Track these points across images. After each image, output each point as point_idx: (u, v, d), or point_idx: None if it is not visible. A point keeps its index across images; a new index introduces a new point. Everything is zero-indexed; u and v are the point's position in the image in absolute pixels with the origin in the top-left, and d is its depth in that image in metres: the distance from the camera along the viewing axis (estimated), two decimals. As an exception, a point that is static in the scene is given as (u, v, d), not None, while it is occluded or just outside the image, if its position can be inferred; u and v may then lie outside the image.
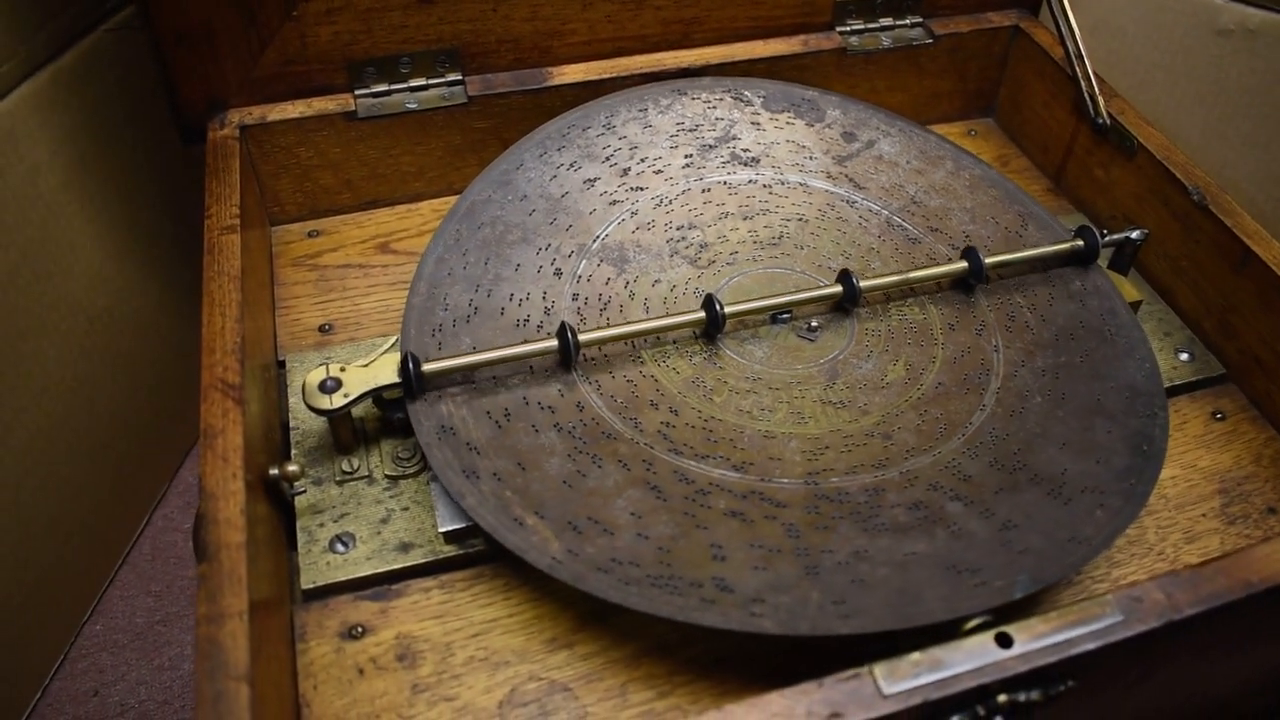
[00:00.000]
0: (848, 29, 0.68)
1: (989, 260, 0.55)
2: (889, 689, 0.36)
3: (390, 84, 0.61)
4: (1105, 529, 0.44)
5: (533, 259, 0.55)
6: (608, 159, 0.60)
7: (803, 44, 0.67)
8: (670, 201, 0.59)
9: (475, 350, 0.50)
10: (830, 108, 0.64)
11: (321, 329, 0.58)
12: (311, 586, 0.46)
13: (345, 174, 0.63)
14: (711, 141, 0.62)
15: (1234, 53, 0.75)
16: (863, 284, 0.53)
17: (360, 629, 0.45)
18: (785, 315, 0.54)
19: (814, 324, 0.54)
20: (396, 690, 0.43)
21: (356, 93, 0.61)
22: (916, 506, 0.46)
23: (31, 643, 0.64)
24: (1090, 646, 0.37)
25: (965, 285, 0.56)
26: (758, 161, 0.61)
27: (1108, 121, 0.63)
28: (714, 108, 0.63)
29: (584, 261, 0.55)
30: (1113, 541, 0.44)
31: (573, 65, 0.64)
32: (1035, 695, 0.38)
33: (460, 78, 0.62)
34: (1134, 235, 0.57)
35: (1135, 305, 0.56)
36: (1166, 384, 0.55)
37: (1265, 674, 0.53)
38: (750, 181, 0.60)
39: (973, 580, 0.42)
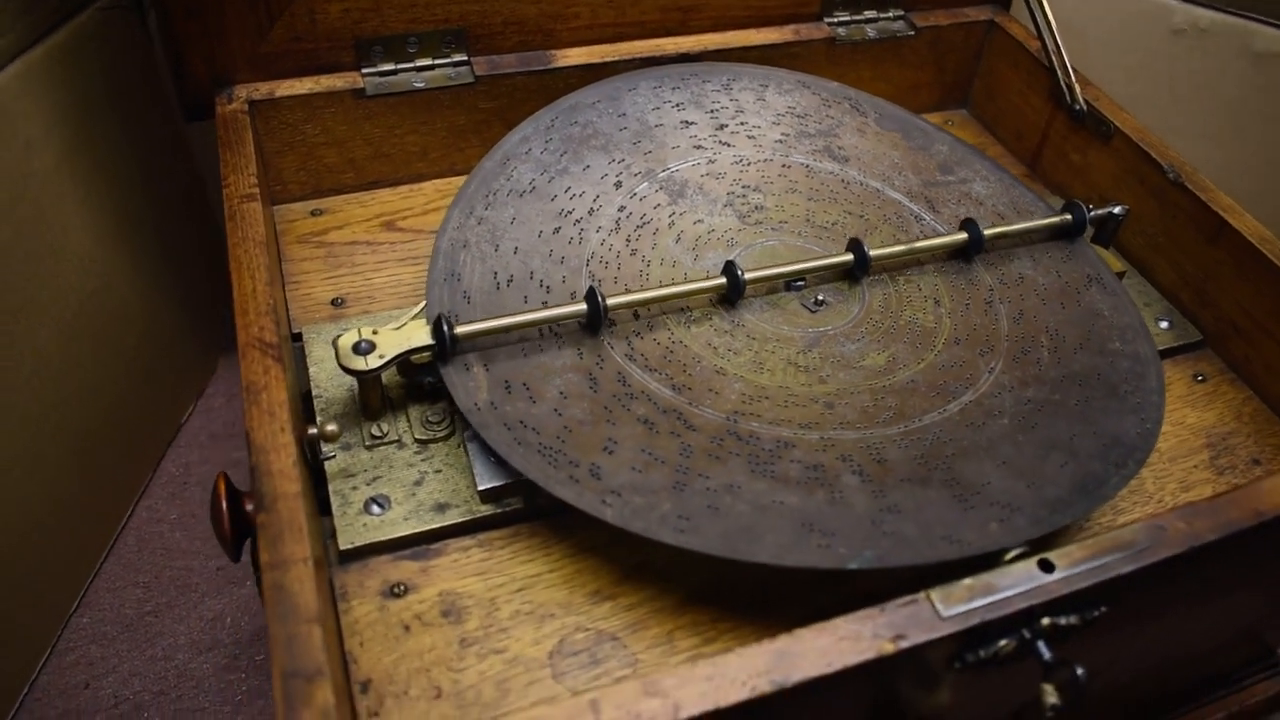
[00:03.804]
0: (835, 20, 0.71)
1: (989, 231, 0.57)
2: (947, 612, 0.37)
3: (397, 63, 0.62)
4: (989, 539, 0.43)
5: (603, 166, 0.59)
6: (712, 111, 0.64)
7: (794, 33, 0.70)
8: (749, 164, 0.62)
9: (514, 221, 0.55)
10: (939, 143, 0.65)
11: (334, 303, 0.57)
12: (350, 547, 0.45)
13: (350, 153, 0.63)
14: (813, 131, 0.64)
15: (1187, 51, 0.80)
16: (872, 253, 0.55)
17: (402, 587, 0.45)
18: (799, 283, 0.56)
19: (820, 298, 0.56)
20: (445, 644, 0.43)
21: (363, 71, 0.61)
22: (815, 468, 0.46)
23: (17, 636, 0.62)
24: (1125, 570, 0.39)
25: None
26: (847, 160, 0.63)
27: (1085, 108, 0.66)
28: (829, 106, 0.66)
29: (646, 183, 0.59)
30: (988, 552, 0.42)
31: (576, 49, 0.65)
32: (1073, 620, 0.40)
33: (466, 58, 0.63)
34: (1116, 211, 0.61)
35: (1119, 275, 0.60)
36: (1152, 347, 0.58)
37: (1248, 623, 0.56)
38: (832, 174, 0.62)
39: (818, 540, 0.42)
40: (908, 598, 0.38)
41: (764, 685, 0.34)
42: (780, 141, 0.64)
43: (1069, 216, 0.59)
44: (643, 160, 0.60)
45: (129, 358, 0.71)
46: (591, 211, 0.57)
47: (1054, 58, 0.68)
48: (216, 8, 0.56)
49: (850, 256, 0.55)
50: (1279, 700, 0.61)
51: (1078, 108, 0.67)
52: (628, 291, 0.53)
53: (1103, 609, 0.41)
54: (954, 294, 0.56)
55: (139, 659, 0.65)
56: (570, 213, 0.56)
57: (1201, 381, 0.59)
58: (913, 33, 0.72)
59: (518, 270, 0.53)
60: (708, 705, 0.34)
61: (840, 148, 0.64)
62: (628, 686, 0.34)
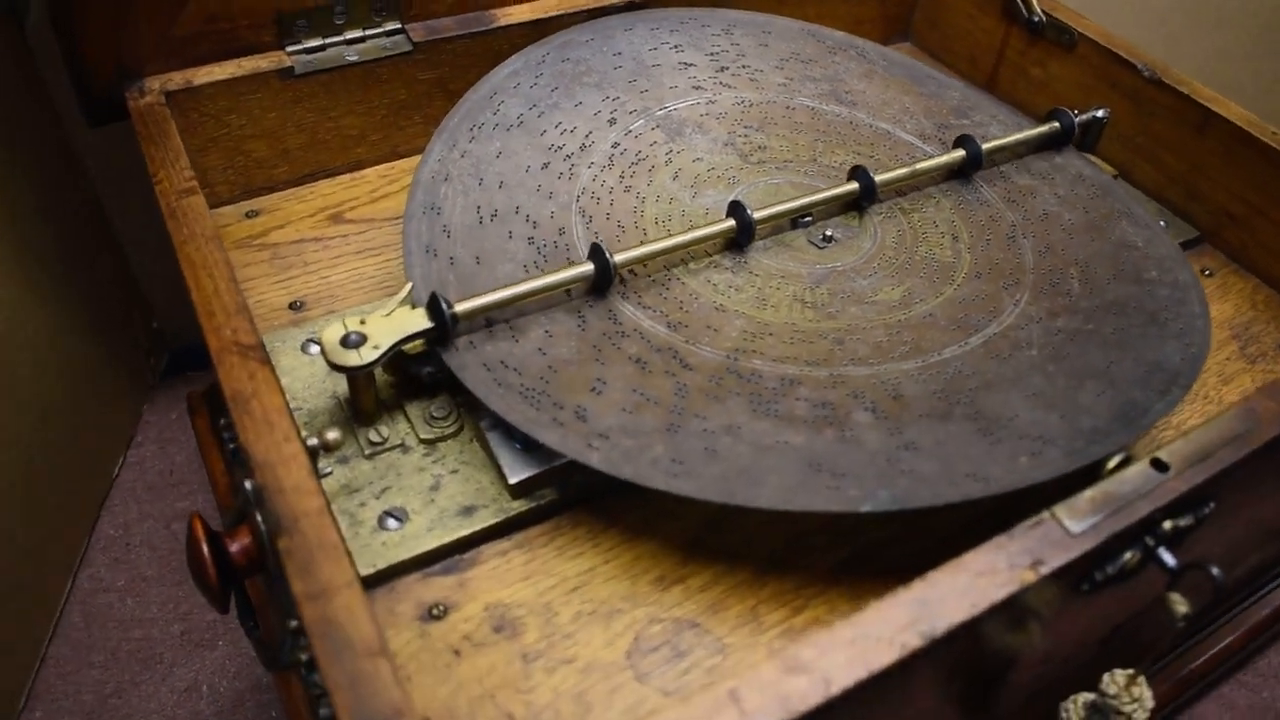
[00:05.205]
0: (778, -46, 0.68)
1: (986, 146, 0.55)
2: (1076, 528, 0.34)
3: (325, 37, 0.55)
4: (1017, 475, 0.39)
5: (596, 102, 0.56)
6: (712, 54, 0.61)
7: (739, -32, 0.66)
8: (751, 105, 0.59)
9: (500, 155, 0.51)
10: (952, 89, 0.62)
11: (293, 306, 0.51)
12: (372, 571, 0.39)
13: (281, 143, 0.56)
14: (818, 76, 0.61)
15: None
16: (878, 178, 0.52)
17: (441, 608, 0.39)
18: (806, 219, 0.52)
19: (828, 233, 0.52)
20: (505, 664, 0.37)
21: (288, 49, 0.55)
22: (823, 405, 0.43)
23: (-40, 744, 0.53)
24: (1235, 458, 0.37)
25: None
26: (855, 104, 0.60)
27: (1044, 18, 0.65)
28: (834, 54, 0.63)
29: (641, 121, 0.55)
30: (1017, 488, 0.39)
31: (519, 5, 0.60)
32: (1190, 520, 0.37)
33: (400, 25, 0.57)
34: (1100, 114, 0.59)
35: (1114, 179, 0.58)
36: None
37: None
38: (838, 115, 0.59)
39: (828, 482, 0.39)
40: (1032, 520, 0.34)
41: (914, 640, 0.30)
42: (784, 85, 0.60)
43: (1058, 124, 0.57)
44: (638, 98, 0.57)
45: (44, 409, 0.62)
46: (583, 147, 0.53)
47: (1004, -28, 0.66)
48: (114, -11, 0.49)
49: (855, 185, 0.52)
50: (1319, 589, 0.60)
51: (1036, 19, 0.65)
52: (618, 227, 0.49)
53: (1211, 505, 0.38)
54: (973, 230, 0.53)
55: (109, 747, 0.56)
56: (560, 148, 0.53)
57: (1209, 276, 0.57)
58: (855, -38, 0.70)
59: (502, 205, 0.49)
60: (860, 673, 0.29)
61: (847, 91, 0.61)
62: (765, 668, 0.29)
